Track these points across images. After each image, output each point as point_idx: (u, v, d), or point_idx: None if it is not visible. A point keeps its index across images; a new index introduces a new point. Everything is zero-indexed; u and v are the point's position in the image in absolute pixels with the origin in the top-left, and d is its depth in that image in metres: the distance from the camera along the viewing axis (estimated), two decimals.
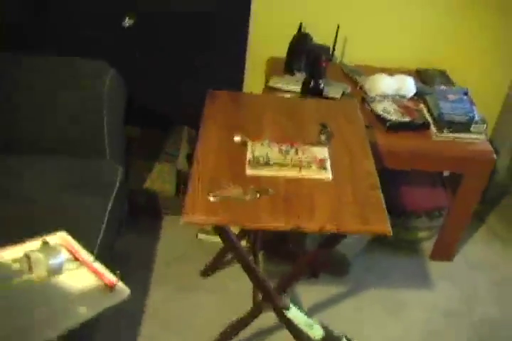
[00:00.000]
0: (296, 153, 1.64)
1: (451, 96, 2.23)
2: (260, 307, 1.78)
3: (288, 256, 2.22)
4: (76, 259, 1.19)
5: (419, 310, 2.15)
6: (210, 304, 2.06)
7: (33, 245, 1.17)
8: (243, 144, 1.67)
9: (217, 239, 2.27)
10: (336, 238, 1.58)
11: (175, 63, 2.56)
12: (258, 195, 1.48)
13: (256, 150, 1.64)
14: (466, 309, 2.17)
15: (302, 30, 2.45)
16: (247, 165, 1.59)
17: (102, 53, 2.28)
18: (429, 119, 2.19)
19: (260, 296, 1.79)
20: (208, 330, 1.91)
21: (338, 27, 2.41)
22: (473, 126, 2.13)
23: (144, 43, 2.45)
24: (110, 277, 1.15)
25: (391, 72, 2.40)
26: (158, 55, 2.50)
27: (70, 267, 1.17)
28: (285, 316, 1.73)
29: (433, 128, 2.16)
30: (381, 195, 1.54)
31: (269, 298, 1.72)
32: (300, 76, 2.32)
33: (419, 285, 2.27)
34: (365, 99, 2.30)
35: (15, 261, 1.14)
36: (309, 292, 2.15)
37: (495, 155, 2.10)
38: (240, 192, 1.48)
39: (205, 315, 2.01)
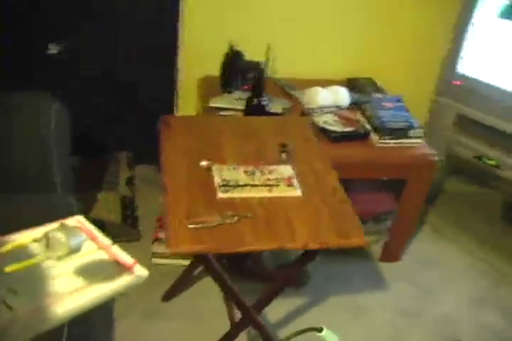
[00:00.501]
0: (262, 173, 1.67)
1: (387, 104, 2.33)
2: (239, 327, 1.78)
3: (248, 273, 2.23)
4: (94, 241, 1.21)
5: (382, 313, 2.23)
6: (178, 329, 2.04)
7: (51, 226, 1.19)
8: (208, 169, 1.67)
9: (172, 261, 2.26)
10: (314, 253, 1.61)
11: (104, 88, 2.53)
12: (236, 219, 1.49)
13: (223, 173, 1.65)
14: (425, 307, 2.27)
15: (233, 48, 2.48)
16: (217, 190, 1.59)
17: (32, 83, 2.22)
18: (369, 128, 2.28)
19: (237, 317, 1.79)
20: None
21: (269, 44, 2.46)
22: (412, 131, 2.24)
23: (71, 70, 2.41)
24: (128, 259, 1.18)
25: (322, 83, 2.48)
26: (86, 81, 2.47)
27: (88, 248, 1.19)
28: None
29: (374, 137, 2.25)
30: (352, 208, 1.59)
31: (249, 317, 1.73)
32: (238, 94, 2.35)
33: (376, 288, 2.35)
34: (304, 113, 2.36)
35: (34, 240, 1.17)
36: (275, 305, 2.17)
37: (436, 157, 2.22)
38: (218, 217, 1.48)
39: None
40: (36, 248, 1.17)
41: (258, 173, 1.66)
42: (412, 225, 2.37)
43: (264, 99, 2.16)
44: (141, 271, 1.19)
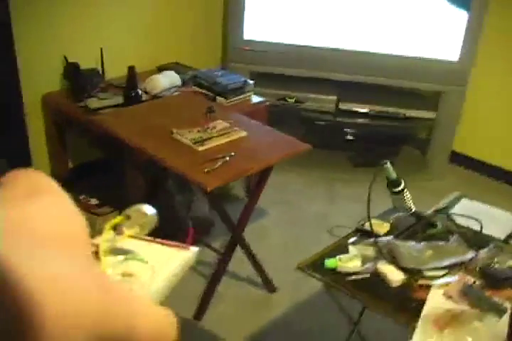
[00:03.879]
0: (212, 129, 2.23)
1: (217, 73, 3.01)
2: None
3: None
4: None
5: None
6: None
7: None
8: (171, 137, 2.16)
9: None
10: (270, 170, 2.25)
11: None
12: (228, 158, 2.05)
13: (186, 136, 2.16)
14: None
15: (68, 60, 2.87)
16: (194, 146, 2.11)
17: None
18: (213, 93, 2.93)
19: None
20: None
21: (102, 50, 2.91)
22: (246, 87, 2.96)
23: None
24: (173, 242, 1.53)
25: (147, 73, 3.02)
26: None
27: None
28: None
29: (221, 99, 2.91)
30: (282, 133, 2.27)
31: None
32: (104, 95, 2.77)
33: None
34: (156, 97, 2.89)
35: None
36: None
37: (268, 103, 2.99)
38: (218, 160, 2.03)
39: None
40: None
41: (209, 130, 2.21)
42: None
43: (138, 90, 2.64)
44: (193, 248, 1.53)
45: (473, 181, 3.49)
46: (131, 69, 2.60)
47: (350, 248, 1.74)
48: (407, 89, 3.42)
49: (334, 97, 3.39)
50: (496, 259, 1.66)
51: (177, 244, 1.38)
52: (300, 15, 3.26)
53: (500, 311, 1.48)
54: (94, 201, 2.81)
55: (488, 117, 3.45)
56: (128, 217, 1.36)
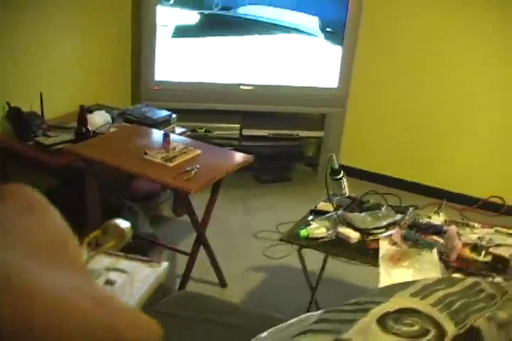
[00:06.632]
0: (172, 149, 2.78)
1: (144, 110, 3.56)
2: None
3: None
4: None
5: None
6: None
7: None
8: (142, 158, 2.70)
9: None
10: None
11: None
12: (196, 169, 2.63)
13: (156, 155, 2.70)
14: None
15: (11, 106, 3.28)
16: (165, 163, 2.65)
17: None
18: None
19: None
20: None
21: (41, 94, 3.36)
22: (172, 119, 3.54)
23: None
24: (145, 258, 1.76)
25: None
26: None
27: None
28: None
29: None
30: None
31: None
32: (53, 133, 3.21)
33: None
34: (97, 133, 3.38)
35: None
36: None
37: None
38: (190, 172, 2.60)
39: None
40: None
41: (171, 151, 2.76)
42: None
43: (87, 127, 3.12)
44: (163, 263, 1.75)
45: (365, 188, 4.29)
46: (81, 108, 3.08)
47: (312, 223, 2.38)
48: (298, 114, 4.19)
49: (237, 125, 4.06)
50: (417, 218, 2.39)
51: (149, 259, 1.71)
52: (203, 58, 3.92)
53: (431, 246, 2.20)
54: None
55: (367, 131, 4.30)
56: (104, 232, 1.62)
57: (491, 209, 3.90)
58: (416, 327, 1.23)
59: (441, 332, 1.20)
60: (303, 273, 2.50)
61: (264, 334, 1.52)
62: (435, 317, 1.26)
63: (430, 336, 1.20)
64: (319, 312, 1.57)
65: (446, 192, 4.02)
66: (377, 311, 1.32)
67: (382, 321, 1.27)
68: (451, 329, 1.20)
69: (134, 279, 1.61)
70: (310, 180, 4.32)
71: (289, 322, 1.61)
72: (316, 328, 1.40)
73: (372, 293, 1.60)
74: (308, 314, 1.63)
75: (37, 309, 0.57)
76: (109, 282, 1.56)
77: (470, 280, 1.51)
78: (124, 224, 1.65)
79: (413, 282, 1.52)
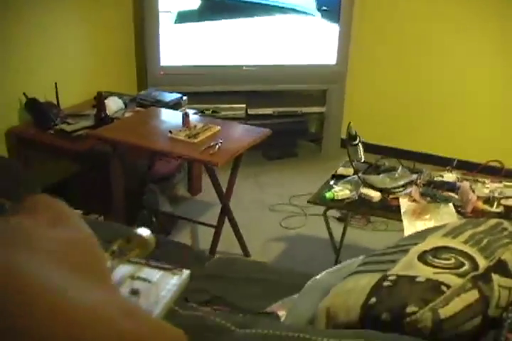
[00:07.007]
0: (194, 127, 2.95)
1: (155, 94, 3.71)
2: None
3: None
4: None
5: None
6: None
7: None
8: (167, 136, 2.86)
9: None
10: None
11: None
12: (220, 143, 2.80)
13: (180, 134, 2.87)
14: None
15: (28, 96, 3.42)
16: (190, 139, 2.82)
17: None
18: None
19: None
20: None
21: (56, 84, 3.49)
22: (183, 102, 3.70)
23: None
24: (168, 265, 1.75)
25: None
26: None
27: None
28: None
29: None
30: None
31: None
32: (72, 120, 3.36)
33: None
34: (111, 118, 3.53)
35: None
36: None
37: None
38: (214, 145, 2.77)
39: None
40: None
41: (193, 128, 2.92)
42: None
43: (106, 112, 3.28)
44: (185, 270, 1.73)
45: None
46: (99, 94, 3.23)
47: (335, 186, 2.57)
48: (300, 91, 4.36)
49: (243, 105, 4.23)
50: (432, 177, 2.58)
51: (171, 267, 1.68)
52: (205, 41, 4.07)
53: (448, 200, 2.39)
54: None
55: (367, 105, 4.49)
56: (128, 240, 1.59)
57: (490, 173, 4.10)
58: (452, 260, 1.42)
59: (475, 264, 1.40)
60: (328, 234, 2.68)
61: (318, 276, 1.70)
62: (468, 252, 1.45)
63: (467, 267, 1.39)
64: (360, 257, 1.76)
65: (445, 159, 4.22)
66: (416, 250, 1.52)
67: (421, 257, 1.47)
68: (482, 261, 1.40)
69: (159, 288, 1.65)
70: (315, 154, 4.51)
71: (336, 267, 1.80)
72: (363, 269, 1.59)
73: (407, 238, 1.79)
74: (350, 260, 1.82)
75: (64, 323, 0.68)
76: (134, 292, 1.59)
77: (494, 220, 1.71)
78: (146, 233, 1.65)
79: (442, 225, 1.71)
